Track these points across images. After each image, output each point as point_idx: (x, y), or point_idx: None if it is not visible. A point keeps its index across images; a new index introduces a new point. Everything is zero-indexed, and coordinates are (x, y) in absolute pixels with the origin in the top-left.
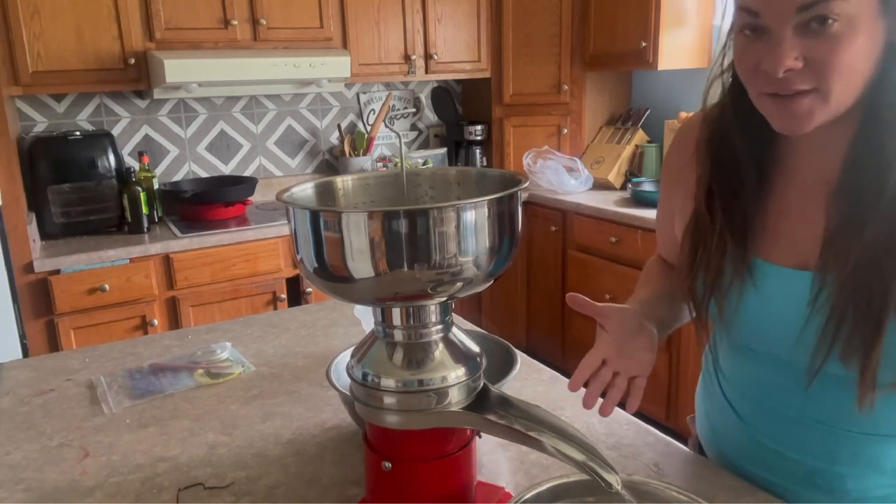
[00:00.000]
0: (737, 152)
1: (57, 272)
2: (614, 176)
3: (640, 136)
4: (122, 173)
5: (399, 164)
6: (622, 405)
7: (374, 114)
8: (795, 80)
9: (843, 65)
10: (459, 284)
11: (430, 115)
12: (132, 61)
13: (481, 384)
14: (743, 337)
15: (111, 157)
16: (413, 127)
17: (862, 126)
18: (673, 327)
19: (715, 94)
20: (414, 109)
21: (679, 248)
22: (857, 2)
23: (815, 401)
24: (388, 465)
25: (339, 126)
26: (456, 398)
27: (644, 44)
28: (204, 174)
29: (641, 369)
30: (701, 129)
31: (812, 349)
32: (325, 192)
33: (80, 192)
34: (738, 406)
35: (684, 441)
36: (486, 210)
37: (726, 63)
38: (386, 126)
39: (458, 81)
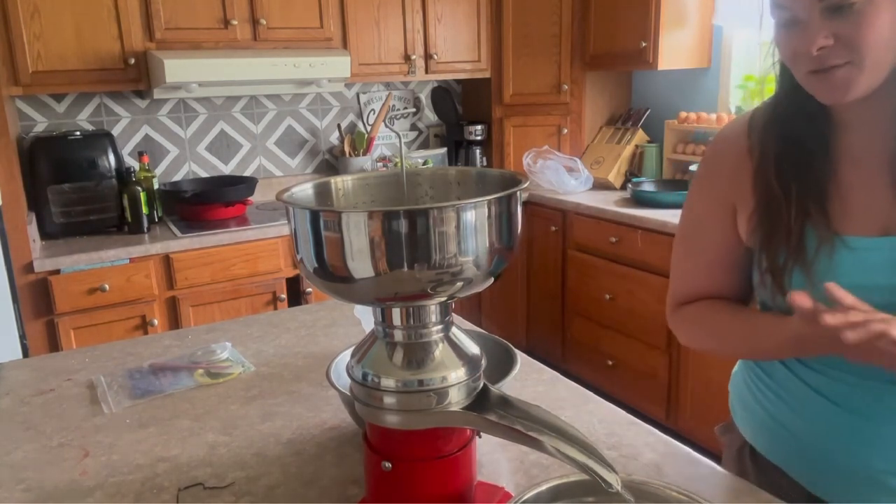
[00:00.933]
0: (800, 130)
1: (57, 272)
2: (614, 176)
3: (640, 136)
4: (122, 173)
5: (399, 164)
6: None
7: (374, 114)
8: (829, 57)
9: (870, 39)
10: (459, 284)
11: (430, 115)
12: (132, 61)
13: (481, 384)
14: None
15: (111, 157)
16: (413, 127)
17: None
18: None
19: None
20: (414, 109)
21: (727, 261)
22: None
23: None
24: (388, 465)
25: (339, 126)
26: (456, 398)
27: (644, 44)
28: (204, 174)
29: None
30: (752, 123)
31: None
32: (325, 192)
33: (80, 192)
34: (824, 388)
35: (684, 441)
36: (486, 210)
37: (773, 59)
38: (386, 126)
39: (458, 81)
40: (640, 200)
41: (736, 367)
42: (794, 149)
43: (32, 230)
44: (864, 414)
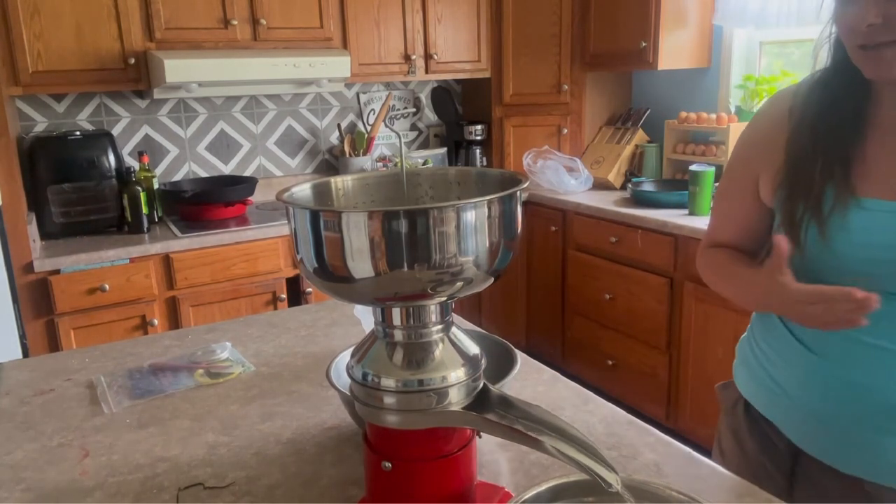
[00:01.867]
0: (840, 98)
1: (57, 272)
2: (614, 176)
3: (640, 136)
4: (122, 173)
5: (399, 164)
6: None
7: (374, 114)
8: (877, 34)
9: None
10: (459, 284)
11: (430, 115)
12: (132, 61)
13: (481, 384)
14: (839, 270)
15: (111, 157)
16: (413, 127)
17: None
18: None
19: (820, 60)
20: (414, 109)
21: (750, 216)
22: None
23: None
24: (388, 465)
25: (339, 126)
26: (456, 398)
27: (644, 44)
28: (204, 174)
29: None
30: (797, 91)
31: None
32: (325, 192)
33: (80, 192)
34: (814, 345)
35: (684, 441)
36: (486, 210)
37: (830, 32)
38: (386, 126)
39: (458, 81)
40: (640, 200)
41: (745, 332)
42: (831, 114)
43: (32, 230)
44: (856, 373)
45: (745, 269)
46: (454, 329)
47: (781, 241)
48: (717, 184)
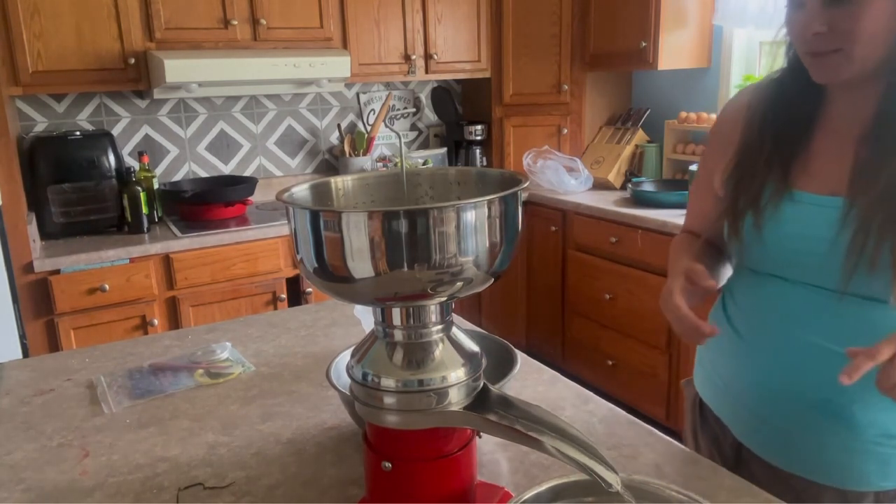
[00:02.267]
0: (792, 95)
1: (57, 272)
2: (614, 176)
3: (640, 136)
4: (122, 173)
5: (399, 164)
6: (622, 405)
7: (374, 114)
8: (823, 43)
9: (861, 31)
10: (459, 284)
11: (430, 115)
12: (132, 61)
13: (481, 384)
14: (772, 260)
15: (111, 157)
16: (413, 127)
17: (889, 83)
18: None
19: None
20: (414, 109)
21: (711, 206)
22: None
23: (835, 326)
24: (388, 465)
25: (339, 126)
26: (456, 398)
27: (644, 44)
28: (204, 174)
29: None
30: (757, 86)
31: (839, 265)
32: (325, 192)
33: (80, 192)
34: (752, 338)
35: (684, 441)
36: (486, 210)
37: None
38: (386, 126)
39: (458, 81)
40: (640, 200)
41: None
42: (781, 111)
43: (32, 230)
44: (788, 369)
45: (678, 260)
46: (454, 329)
47: (702, 277)
48: None
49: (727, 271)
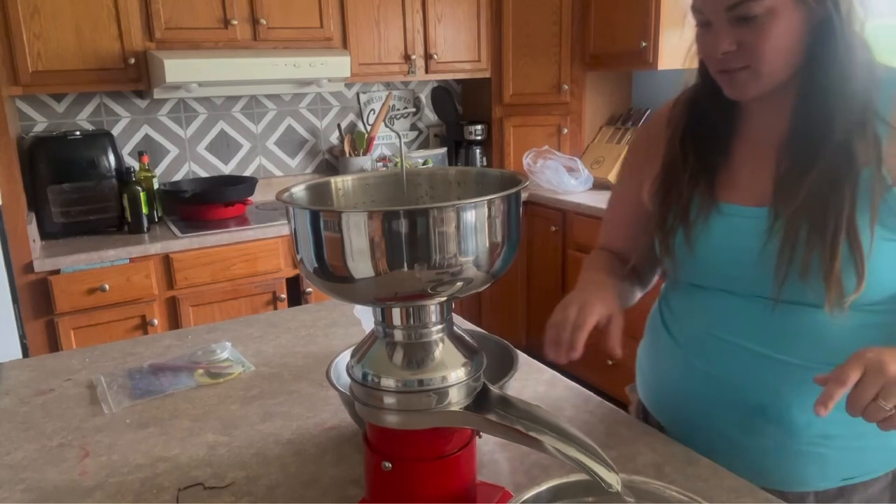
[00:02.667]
0: (709, 109)
1: (57, 272)
2: (614, 176)
3: None
4: (122, 173)
5: (399, 164)
6: (622, 405)
7: (374, 114)
8: (732, 60)
9: (767, 47)
10: (459, 284)
11: (430, 115)
12: (132, 61)
13: (481, 384)
14: (705, 273)
15: (111, 157)
16: (413, 127)
17: (801, 94)
18: (626, 304)
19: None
20: (414, 109)
21: (634, 222)
22: None
23: (771, 332)
24: (388, 465)
25: (339, 126)
26: (456, 398)
27: (644, 44)
28: (204, 174)
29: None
30: (676, 101)
31: (771, 274)
32: (325, 192)
33: (80, 191)
34: (690, 348)
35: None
36: (486, 210)
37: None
38: (386, 126)
39: (458, 81)
40: None
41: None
42: (700, 124)
43: (32, 230)
44: (717, 369)
45: (598, 272)
46: (454, 329)
47: (613, 339)
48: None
49: (637, 295)
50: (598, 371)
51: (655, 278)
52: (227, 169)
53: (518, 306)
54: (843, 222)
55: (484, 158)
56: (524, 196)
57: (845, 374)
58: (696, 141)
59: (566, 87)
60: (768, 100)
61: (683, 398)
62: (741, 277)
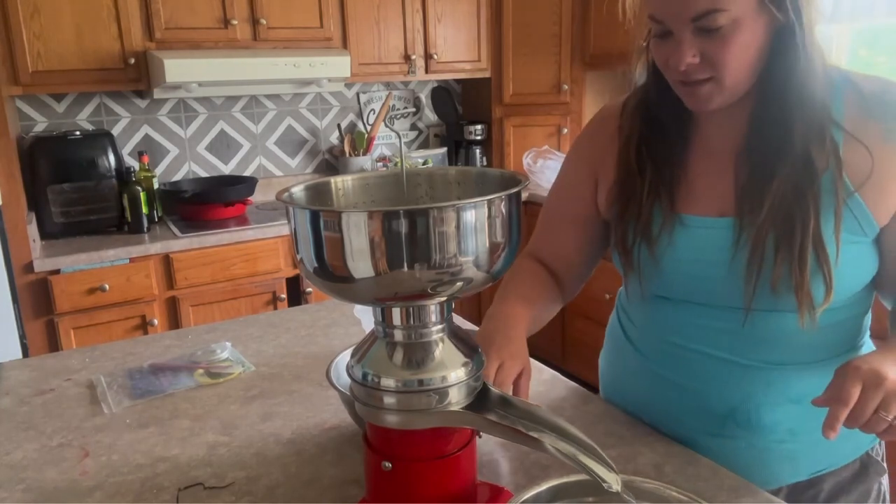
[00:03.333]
0: (664, 119)
1: (57, 272)
2: None
3: None
4: (122, 173)
5: (399, 164)
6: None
7: (374, 113)
8: (695, 72)
9: (731, 58)
10: (459, 284)
11: (430, 115)
12: (132, 61)
13: (481, 384)
14: (672, 286)
15: (111, 157)
16: (413, 127)
17: (758, 101)
18: (539, 327)
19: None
20: (414, 109)
21: (574, 226)
22: (737, 8)
23: (740, 340)
24: (388, 465)
25: (339, 126)
26: (456, 398)
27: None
28: (204, 174)
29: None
30: (625, 104)
31: (741, 286)
32: (325, 192)
33: (80, 191)
34: (655, 359)
35: None
36: (486, 210)
37: (646, 48)
38: (386, 126)
39: (458, 81)
40: None
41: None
42: (656, 134)
43: (32, 230)
44: (677, 375)
45: (518, 288)
46: (454, 329)
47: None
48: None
49: (554, 311)
50: (598, 371)
51: (578, 292)
52: (227, 169)
53: None
54: (809, 233)
55: (484, 158)
56: (524, 196)
57: (846, 393)
58: (652, 152)
59: (566, 87)
60: (724, 111)
61: (649, 408)
62: (709, 290)
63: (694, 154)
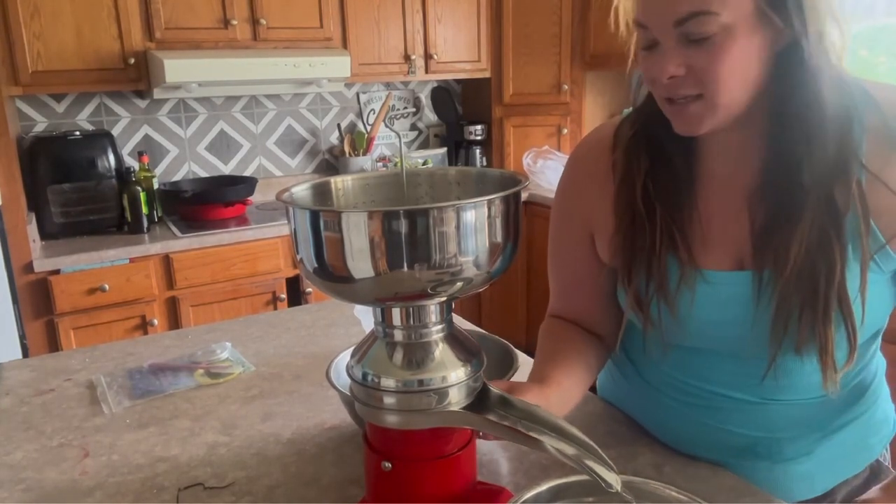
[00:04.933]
0: (668, 149)
1: (57, 272)
2: None
3: None
4: (122, 173)
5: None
6: (623, 408)
7: (374, 114)
8: (681, 86)
9: (722, 71)
10: (459, 284)
11: (430, 115)
12: (132, 61)
13: (481, 384)
14: (692, 339)
15: (111, 157)
16: (413, 127)
17: (771, 131)
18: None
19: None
20: (414, 109)
21: (589, 281)
22: (731, 13)
23: (762, 387)
24: (388, 465)
25: (339, 126)
26: (456, 398)
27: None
28: (204, 174)
29: None
30: (618, 135)
31: (766, 343)
32: (325, 192)
33: (80, 191)
34: (669, 396)
35: None
36: (486, 210)
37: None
38: (386, 126)
39: (458, 81)
40: None
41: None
42: (661, 168)
43: (32, 230)
44: (717, 423)
45: (548, 361)
46: (454, 329)
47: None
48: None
49: (597, 371)
50: None
51: (621, 335)
52: (227, 169)
53: (518, 306)
54: (833, 291)
55: (484, 158)
56: (524, 196)
57: None
58: (660, 189)
59: (566, 87)
60: (728, 137)
61: (662, 434)
62: (733, 344)
63: (701, 191)
